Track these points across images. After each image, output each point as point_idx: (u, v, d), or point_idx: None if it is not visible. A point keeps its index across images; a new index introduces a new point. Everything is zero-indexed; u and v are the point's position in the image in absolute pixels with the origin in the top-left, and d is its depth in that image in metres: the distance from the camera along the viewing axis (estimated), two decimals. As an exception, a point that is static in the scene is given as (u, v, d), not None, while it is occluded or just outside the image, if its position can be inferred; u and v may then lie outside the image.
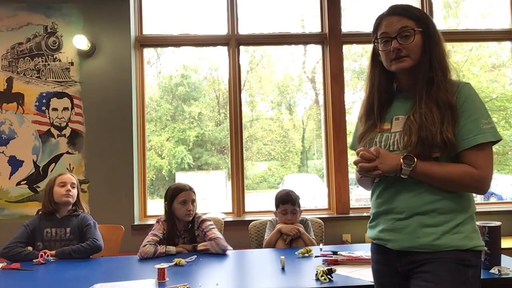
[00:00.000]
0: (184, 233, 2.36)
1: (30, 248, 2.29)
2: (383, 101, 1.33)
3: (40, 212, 2.42)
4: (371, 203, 1.39)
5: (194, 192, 2.41)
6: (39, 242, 2.31)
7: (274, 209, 2.59)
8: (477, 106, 1.20)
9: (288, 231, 2.39)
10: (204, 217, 2.43)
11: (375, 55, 1.35)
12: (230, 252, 2.28)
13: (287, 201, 2.45)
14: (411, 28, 1.23)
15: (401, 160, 1.18)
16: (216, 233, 2.31)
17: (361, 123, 1.39)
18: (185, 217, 2.34)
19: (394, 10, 1.27)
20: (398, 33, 1.23)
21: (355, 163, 1.24)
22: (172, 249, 2.24)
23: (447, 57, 1.26)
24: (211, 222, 2.39)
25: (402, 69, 1.26)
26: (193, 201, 2.38)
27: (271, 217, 2.64)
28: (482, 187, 1.19)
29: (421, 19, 1.25)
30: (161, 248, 2.21)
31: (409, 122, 1.23)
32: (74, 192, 2.40)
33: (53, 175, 2.45)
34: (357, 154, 1.23)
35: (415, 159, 1.18)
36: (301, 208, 2.54)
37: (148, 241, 2.23)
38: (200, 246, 2.26)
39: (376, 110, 1.32)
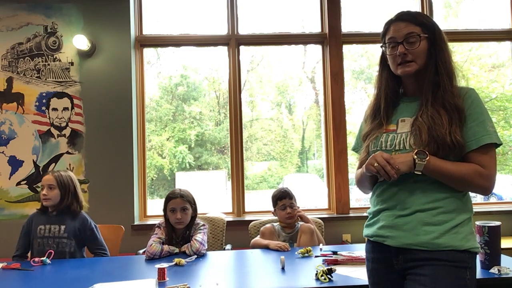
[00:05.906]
0: (182, 240, 2.33)
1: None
2: (390, 103, 1.36)
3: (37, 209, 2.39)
4: (371, 201, 1.40)
5: (186, 200, 2.30)
6: (34, 240, 2.30)
7: (272, 209, 2.59)
8: (483, 110, 1.23)
9: (275, 247, 2.27)
10: (202, 222, 2.39)
11: (383, 59, 1.38)
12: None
13: (284, 197, 2.48)
14: (417, 34, 1.26)
15: (414, 155, 1.18)
16: (198, 236, 2.26)
17: (366, 123, 1.42)
18: (175, 225, 2.30)
19: (402, 16, 1.31)
20: (404, 39, 1.27)
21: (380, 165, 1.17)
22: (175, 248, 2.24)
23: (452, 62, 1.28)
24: (203, 227, 2.33)
25: (407, 74, 1.29)
26: (184, 209, 2.29)
27: (271, 216, 2.64)
28: (489, 186, 1.21)
29: (427, 25, 1.28)
30: (166, 247, 2.21)
31: (417, 122, 1.24)
32: (53, 193, 2.28)
33: None
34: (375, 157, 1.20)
35: (428, 154, 1.18)
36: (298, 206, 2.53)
37: (153, 241, 2.22)
38: (183, 248, 2.24)
39: (382, 111, 1.35)
